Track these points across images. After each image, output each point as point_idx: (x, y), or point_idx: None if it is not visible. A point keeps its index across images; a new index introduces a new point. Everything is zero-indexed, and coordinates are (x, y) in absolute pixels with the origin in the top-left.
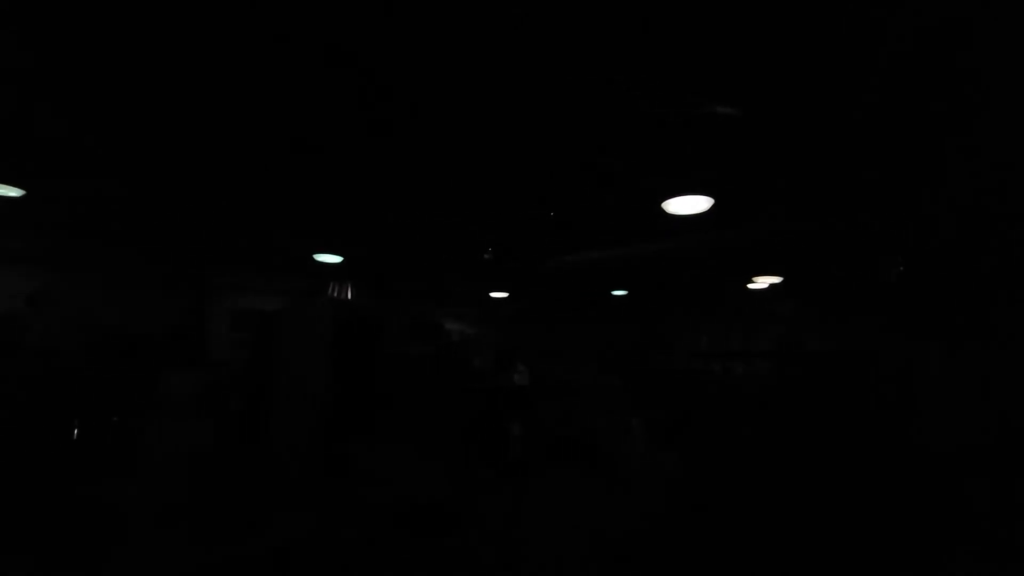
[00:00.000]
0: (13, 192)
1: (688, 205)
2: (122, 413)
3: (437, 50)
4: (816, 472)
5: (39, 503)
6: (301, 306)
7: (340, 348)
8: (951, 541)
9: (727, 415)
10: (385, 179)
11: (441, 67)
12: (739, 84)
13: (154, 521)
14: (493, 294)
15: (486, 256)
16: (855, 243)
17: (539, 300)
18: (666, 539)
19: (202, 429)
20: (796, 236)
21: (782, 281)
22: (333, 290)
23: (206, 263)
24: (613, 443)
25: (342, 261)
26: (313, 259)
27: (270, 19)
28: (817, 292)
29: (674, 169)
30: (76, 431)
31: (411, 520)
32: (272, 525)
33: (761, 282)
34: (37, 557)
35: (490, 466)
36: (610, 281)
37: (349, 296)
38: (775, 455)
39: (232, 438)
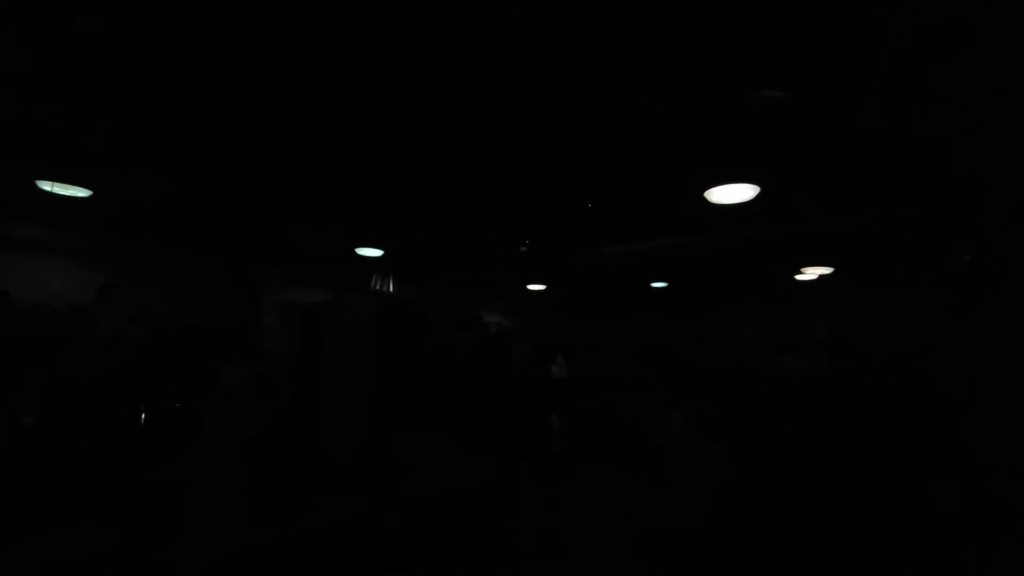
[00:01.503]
0: (81, 192)
1: (732, 194)
2: (184, 400)
3: (469, 45)
4: (865, 472)
5: (113, 483)
6: (345, 298)
7: (383, 339)
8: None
9: (773, 410)
10: (422, 173)
11: (474, 60)
12: (791, 65)
13: (216, 501)
14: (531, 286)
15: (523, 248)
16: (916, 231)
17: (578, 292)
18: (709, 535)
19: (256, 416)
20: (849, 224)
21: (832, 272)
22: (376, 283)
23: (257, 259)
24: (654, 437)
25: (383, 254)
26: (355, 253)
27: (315, 23)
28: (872, 283)
29: (717, 157)
30: (143, 417)
31: (454, 506)
32: (321, 508)
33: (810, 273)
34: (119, 531)
35: (530, 458)
36: (650, 273)
37: (391, 288)
38: (822, 452)
39: (283, 426)
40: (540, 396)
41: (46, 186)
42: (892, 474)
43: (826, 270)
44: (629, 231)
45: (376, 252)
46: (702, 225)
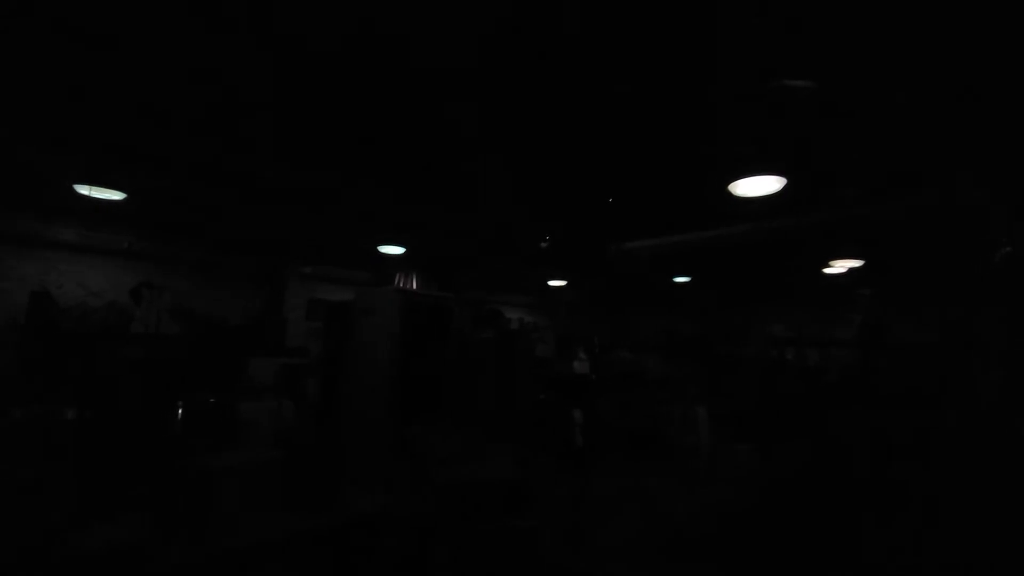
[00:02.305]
0: (116, 195)
1: (757, 187)
2: (217, 394)
3: (487, 35)
4: (899, 473)
5: (154, 472)
6: (369, 295)
7: (407, 334)
8: None
9: (801, 407)
10: (443, 170)
11: (492, 49)
12: (821, 53)
13: (250, 490)
14: (551, 282)
15: (543, 244)
16: (951, 221)
17: (599, 288)
18: (734, 534)
19: (284, 411)
20: (880, 216)
21: (863, 265)
22: (399, 280)
23: (282, 258)
24: (678, 433)
25: (404, 252)
26: (378, 251)
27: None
28: (905, 277)
29: (742, 149)
30: (180, 410)
31: (479, 500)
32: (347, 500)
33: (839, 266)
34: (156, 515)
35: (553, 453)
36: (673, 267)
37: (414, 285)
38: (852, 450)
39: (310, 420)
40: (562, 391)
41: (83, 190)
42: (927, 476)
43: (856, 263)
44: (651, 226)
45: (398, 250)
46: (726, 219)
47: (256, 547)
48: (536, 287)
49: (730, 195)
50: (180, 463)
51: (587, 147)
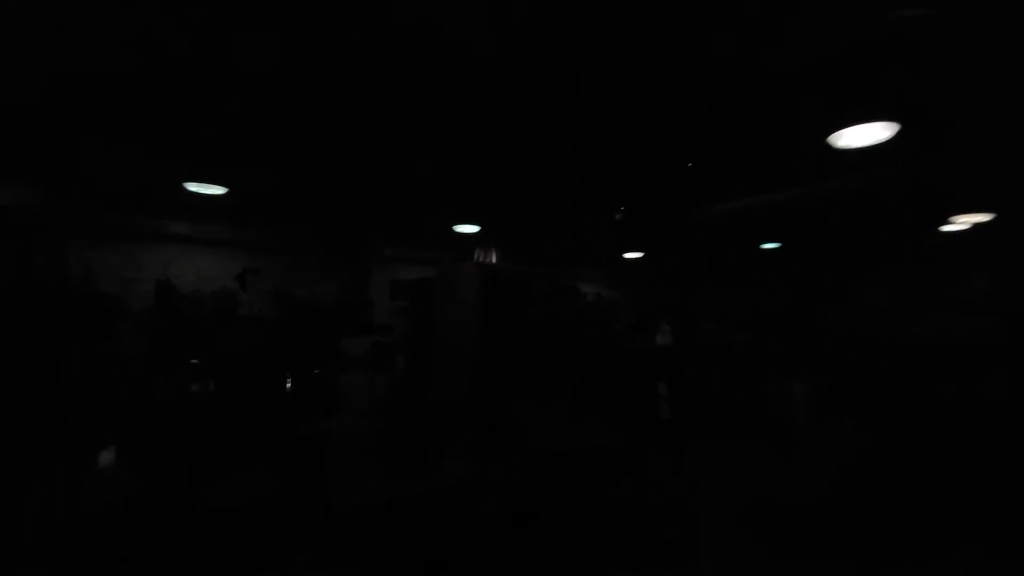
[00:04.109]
0: (219, 190)
1: (863, 136)
2: (319, 367)
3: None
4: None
5: (271, 435)
6: (450, 272)
7: (487, 308)
8: None
9: (910, 382)
10: (513, 144)
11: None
12: None
13: (353, 454)
14: (627, 254)
15: (617, 216)
16: None
17: (679, 258)
18: (830, 517)
19: (376, 384)
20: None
21: (993, 219)
22: (478, 256)
23: (366, 241)
24: (771, 408)
25: (480, 230)
26: (453, 230)
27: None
28: None
29: (844, 94)
30: (288, 383)
31: (575, 469)
32: (441, 467)
33: (962, 222)
34: (274, 474)
35: (639, 427)
36: (761, 233)
37: (493, 260)
38: (967, 428)
39: (401, 392)
40: (645, 364)
41: (191, 186)
42: None
43: (984, 217)
44: (736, 187)
45: (473, 228)
46: (824, 174)
47: (359, 507)
48: (612, 260)
49: (830, 148)
50: (293, 428)
51: (661, 102)
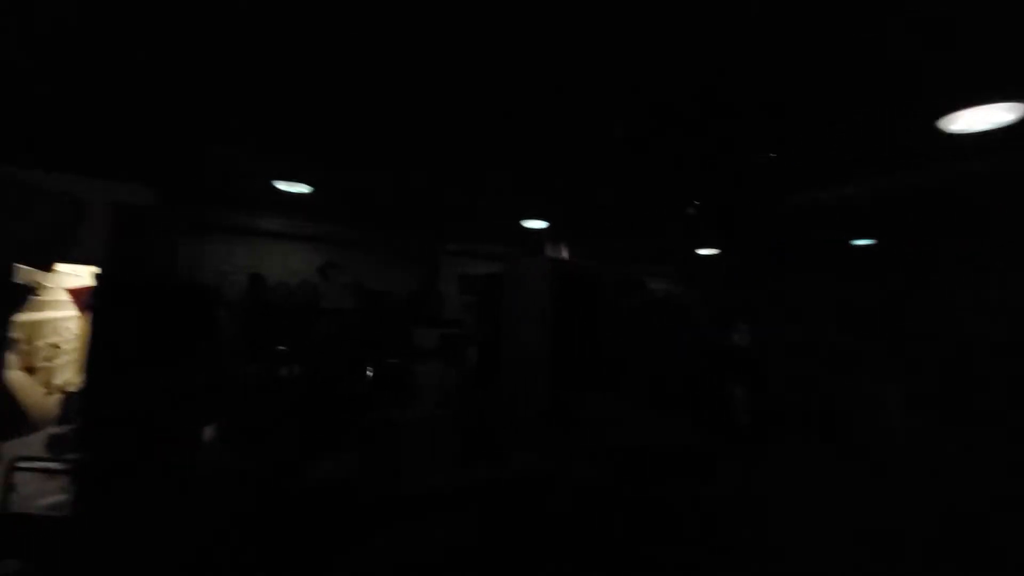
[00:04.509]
0: (305, 188)
1: (982, 119)
2: (396, 358)
3: None
4: None
5: (354, 421)
6: (520, 266)
7: (557, 303)
8: None
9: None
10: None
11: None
12: None
13: (428, 441)
14: (701, 250)
15: (690, 211)
16: None
17: (757, 253)
18: (932, 536)
19: (447, 375)
20: None
21: None
22: (547, 250)
23: (435, 236)
24: (861, 415)
25: (548, 226)
26: (521, 225)
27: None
28: None
29: (961, 70)
30: (369, 372)
31: (652, 467)
32: (512, 459)
33: None
34: (358, 457)
35: (715, 429)
36: (853, 226)
37: (564, 255)
38: None
39: (472, 384)
40: (720, 364)
41: (281, 185)
42: None
43: None
44: (826, 176)
45: (542, 224)
46: (931, 160)
47: (433, 493)
48: (683, 256)
49: (939, 133)
50: (374, 415)
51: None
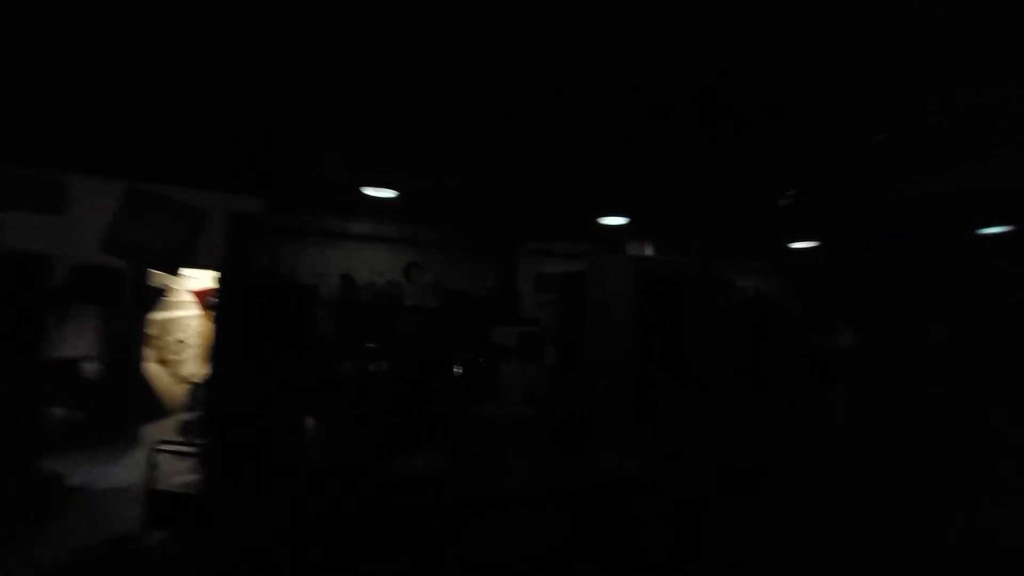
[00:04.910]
0: (390, 194)
1: None
2: (481, 356)
3: None
4: None
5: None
6: (602, 264)
7: (641, 301)
8: None
9: None
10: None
11: None
12: None
13: (513, 439)
14: (794, 244)
15: (782, 201)
16: None
17: (861, 246)
18: None
19: (529, 374)
20: None
21: None
22: (630, 248)
23: (513, 236)
24: (988, 423)
25: (627, 222)
26: (598, 223)
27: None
28: None
29: None
30: (458, 369)
31: (748, 477)
32: (597, 460)
33: None
34: (445, 453)
35: (812, 436)
36: (977, 214)
37: (647, 253)
38: None
39: (554, 383)
40: (819, 366)
41: (368, 191)
42: None
43: None
44: (944, 161)
45: (620, 220)
46: None
47: (519, 490)
48: (776, 251)
49: None
50: (462, 411)
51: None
